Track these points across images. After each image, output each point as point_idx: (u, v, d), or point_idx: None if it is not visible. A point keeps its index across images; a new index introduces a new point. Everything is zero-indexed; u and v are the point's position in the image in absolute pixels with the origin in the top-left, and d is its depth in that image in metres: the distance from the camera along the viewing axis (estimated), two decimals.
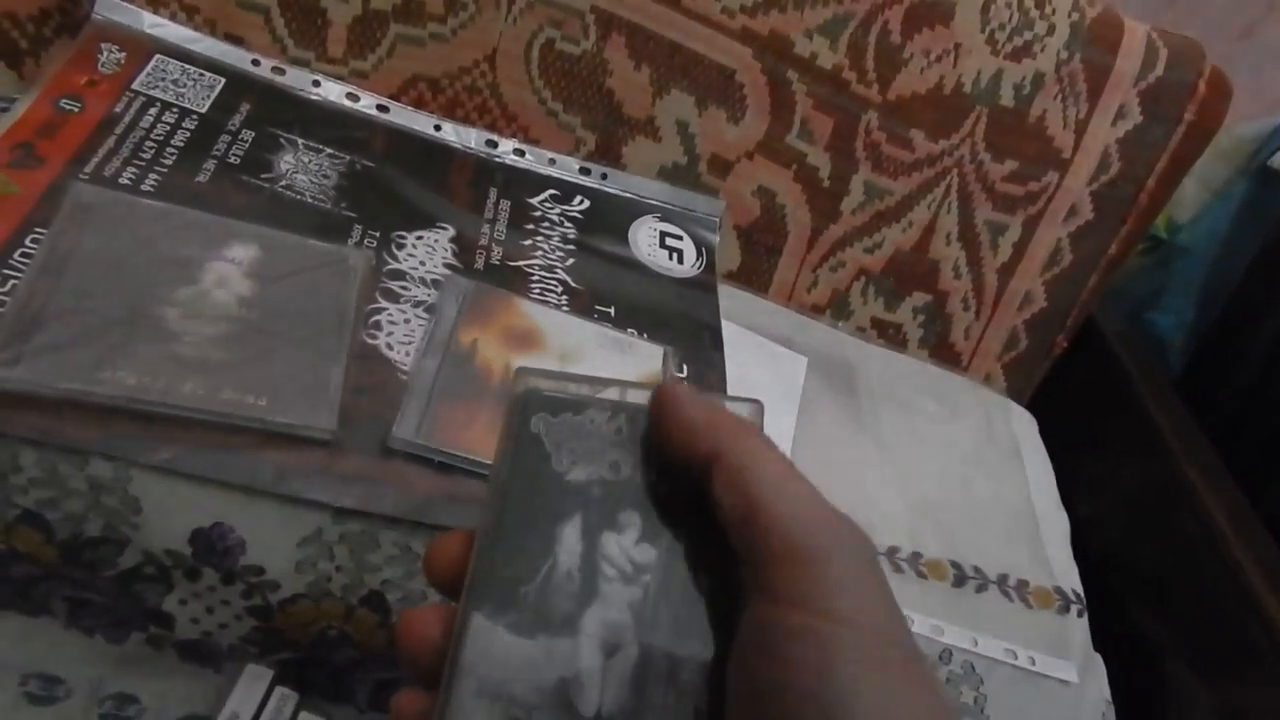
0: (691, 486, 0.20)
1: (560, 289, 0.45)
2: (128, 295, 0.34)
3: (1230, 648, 0.51)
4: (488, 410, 0.37)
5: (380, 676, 0.35)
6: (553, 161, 0.52)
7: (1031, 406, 0.59)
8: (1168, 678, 0.53)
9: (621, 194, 0.52)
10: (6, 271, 0.34)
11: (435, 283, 0.42)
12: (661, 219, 0.52)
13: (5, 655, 0.33)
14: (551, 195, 0.50)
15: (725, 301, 0.49)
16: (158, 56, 0.45)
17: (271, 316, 0.36)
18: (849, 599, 0.17)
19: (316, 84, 0.48)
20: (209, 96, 0.45)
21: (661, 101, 0.53)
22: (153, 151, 0.41)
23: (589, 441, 0.22)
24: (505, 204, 0.48)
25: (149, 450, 0.31)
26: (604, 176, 0.52)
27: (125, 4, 0.45)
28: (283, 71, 0.47)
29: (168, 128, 0.42)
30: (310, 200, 0.42)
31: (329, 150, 0.45)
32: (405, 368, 0.37)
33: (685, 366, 0.44)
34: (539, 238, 0.47)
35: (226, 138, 0.43)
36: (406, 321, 0.40)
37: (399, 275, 0.41)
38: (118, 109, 0.42)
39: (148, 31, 0.46)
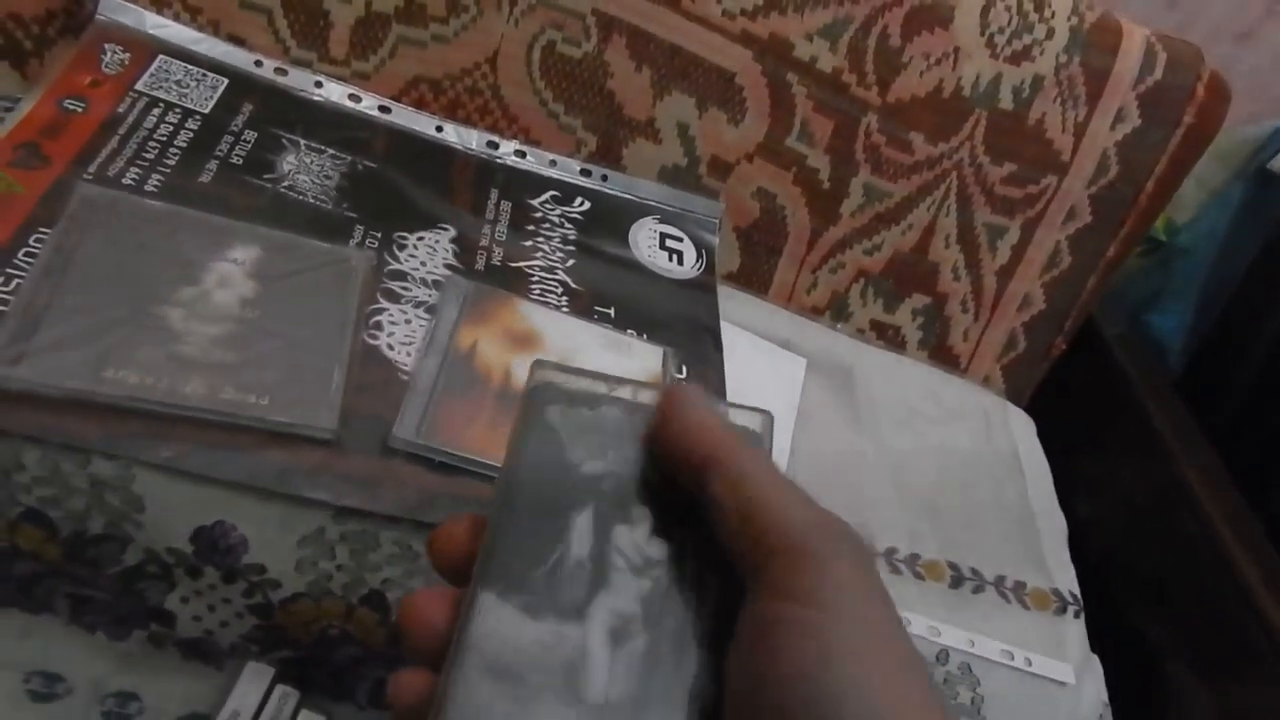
0: (691, 487, 0.20)
1: (560, 290, 0.45)
2: (130, 295, 0.34)
3: (1229, 649, 0.51)
4: (488, 410, 0.37)
5: (380, 674, 0.35)
6: (553, 163, 0.52)
7: (1031, 408, 0.59)
8: (1167, 678, 0.53)
9: (622, 195, 0.53)
10: (10, 270, 0.34)
11: (436, 283, 0.42)
12: (661, 220, 0.53)
13: (7, 653, 0.33)
14: (552, 196, 0.50)
15: (725, 303, 0.49)
16: (161, 57, 0.45)
17: (273, 317, 0.36)
18: (848, 595, 0.17)
19: (319, 85, 0.48)
20: (212, 97, 0.45)
21: (662, 103, 0.53)
22: (156, 152, 0.41)
23: (603, 436, 0.22)
24: (506, 205, 0.48)
25: (151, 449, 0.31)
26: (604, 178, 0.53)
27: (129, 5, 0.46)
28: (285, 72, 0.48)
29: (171, 128, 0.42)
30: (312, 201, 0.42)
31: (331, 151, 0.45)
32: (406, 368, 0.38)
33: (685, 368, 0.45)
34: (539, 239, 0.48)
35: (229, 138, 0.43)
36: (407, 322, 0.40)
37: (400, 276, 0.41)
38: (121, 109, 0.42)
39: (151, 32, 0.46)
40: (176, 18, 0.47)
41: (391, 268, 0.41)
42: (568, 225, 0.49)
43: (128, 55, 0.45)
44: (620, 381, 0.23)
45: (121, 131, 0.41)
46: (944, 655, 0.39)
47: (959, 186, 0.57)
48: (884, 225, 0.57)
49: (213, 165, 0.42)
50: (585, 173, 0.52)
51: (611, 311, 0.45)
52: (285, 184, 0.42)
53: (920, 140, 0.55)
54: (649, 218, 0.52)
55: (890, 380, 0.53)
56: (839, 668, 0.16)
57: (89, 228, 0.36)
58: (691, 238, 0.53)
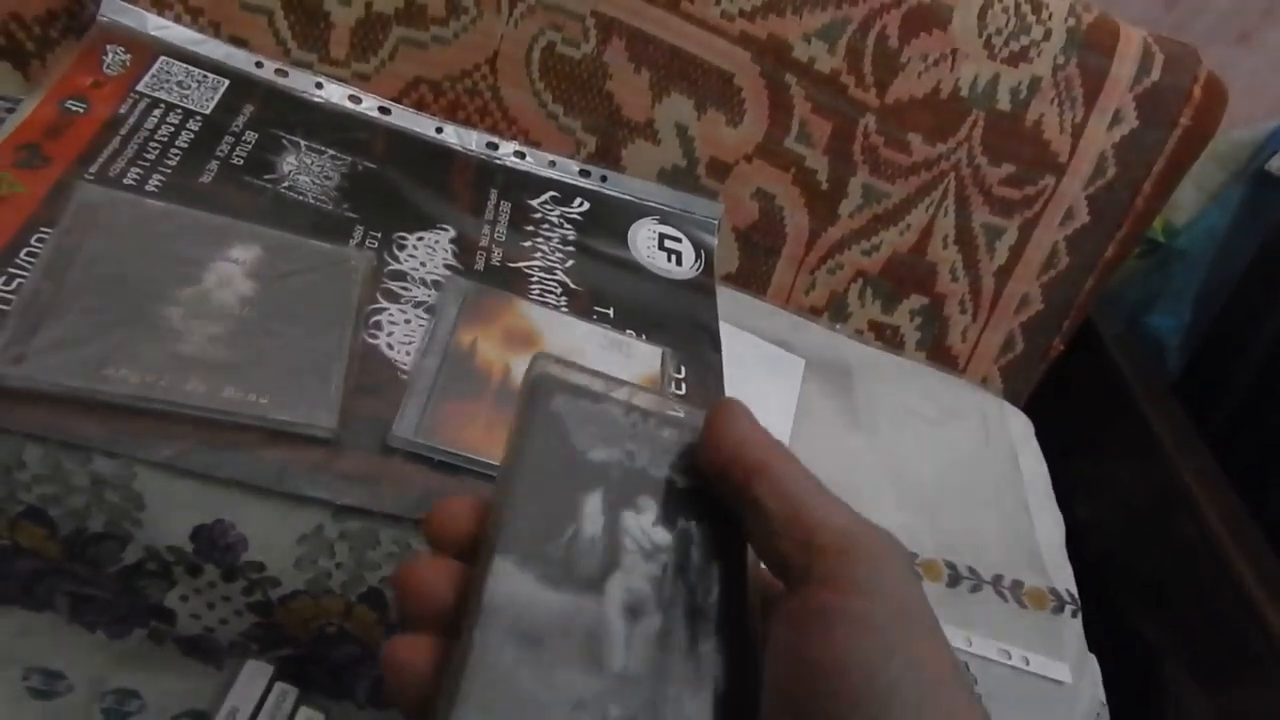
0: (733, 490, 0.21)
1: (560, 290, 0.45)
2: (131, 294, 0.34)
3: (1227, 651, 0.51)
4: (487, 410, 0.38)
5: (380, 673, 0.35)
6: (553, 164, 0.52)
7: (1029, 409, 0.59)
8: (1165, 680, 0.53)
9: (621, 196, 0.53)
10: (12, 270, 0.34)
11: (436, 283, 0.42)
12: (660, 221, 0.53)
13: (7, 650, 0.33)
14: (551, 197, 0.51)
15: (723, 303, 0.50)
16: (162, 58, 0.45)
17: (273, 316, 0.36)
18: (893, 587, 0.19)
19: (319, 86, 0.48)
20: (213, 98, 0.45)
21: (661, 105, 0.53)
22: (157, 152, 0.41)
23: (605, 430, 0.22)
24: (505, 206, 0.49)
25: (152, 447, 0.31)
26: (604, 179, 0.53)
27: (130, 6, 0.46)
28: (286, 74, 0.48)
29: (172, 129, 0.43)
30: (312, 201, 0.43)
31: (331, 152, 0.46)
32: (405, 367, 0.38)
33: (683, 368, 0.45)
34: (539, 239, 0.48)
35: (230, 139, 0.44)
36: (407, 322, 0.40)
37: (400, 276, 0.42)
38: (122, 110, 0.42)
39: (152, 33, 0.46)
40: (178, 19, 0.47)
41: (391, 268, 0.42)
42: (567, 226, 0.49)
43: (129, 56, 0.45)
44: (619, 383, 0.23)
45: (123, 132, 0.41)
46: None
47: (957, 187, 0.57)
48: (882, 226, 0.57)
49: (213, 166, 0.42)
50: (584, 173, 0.53)
51: (610, 312, 0.45)
52: (285, 184, 0.43)
53: (918, 141, 0.56)
54: (648, 218, 0.53)
55: (888, 380, 0.53)
56: (896, 659, 0.17)
57: (90, 228, 0.36)
58: (690, 238, 0.53)
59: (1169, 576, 0.56)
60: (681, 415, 0.24)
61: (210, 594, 0.33)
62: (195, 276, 0.36)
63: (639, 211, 0.53)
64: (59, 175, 0.38)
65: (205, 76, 0.46)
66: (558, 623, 0.19)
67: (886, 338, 0.59)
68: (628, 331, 0.44)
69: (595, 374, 0.23)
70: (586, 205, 0.51)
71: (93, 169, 0.39)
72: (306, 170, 0.44)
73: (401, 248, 0.43)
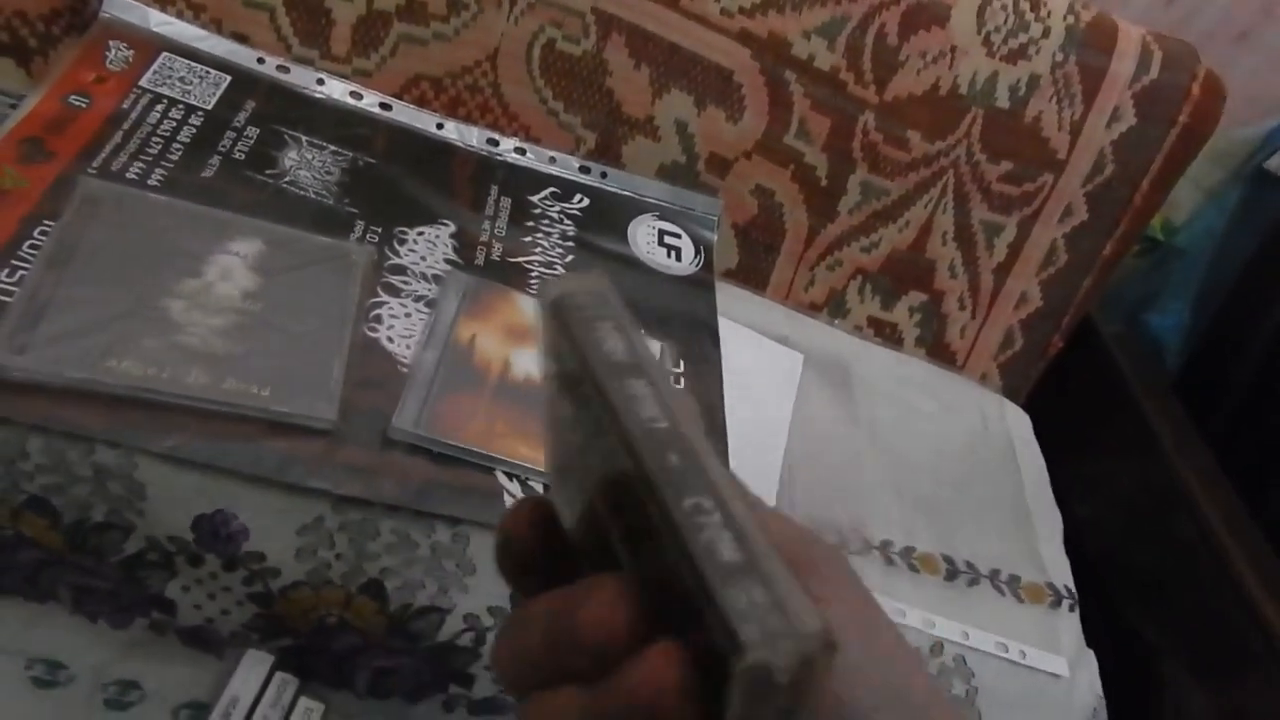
0: None
1: None
2: (133, 287, 0.35)
3: (1225, 648, 0.51)
4: (486, 403, 0.38)
5: (379, 664, 0.35)
6: (553, 160, 0.52)
7: (1029, 407, 0.59)
8: (1163, 677, 0.53)
9: (621, 192, 0.53)
10: (15, 263, 0.34)
11: (436, 278, 0.42)
12: (660, 217, 0.53)
13: (11, 640, 0.34)
14: (552, 193, 0.51)
15: (722, 299, 0.50)
16: (165, 54, 0.46)
17: (274, 309, 0.36)
18: (844, 591, 0.18)
19: (320, 82, 0.49)
20: (215, 94, 0.45)
21: (661, 101, 0.53)
22: (159, 147, 0.41)
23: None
24: (506, 201, 0.49)
25: (154, 438, 0.32)
26: (604, 175, 0.53)
27: (133, 2, 0.46)
28: (287, 70, 0.48)
29: (174, 124, 0.43)
30: (313, 196, 0.43)
31: (332, 147, 0.46)
32: (405, 361, 0.38)
33: (682, 363, 0.45)
34: (539, 235, 0.48)
35: (232, 134, 0.44)
36: (407, 315, 0.40)
37: (400, 270, 0.42)
38: (125, 105, 0.43)
39: (155, 30, 0.46)
40: (180, 15, 0.47)
41: (392, 262, 0.42)
42: (567, 222, 0.50)
43: (132, 52, 0.45)
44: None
45: (125, 127, 0.41)
46: (938, 647, 0.39)
47: (956, 184, 0.57)
48: (881, 223, 0.58)
49: (215, 161, 0.42)
50: (584, 170, 0.53)
51: None
52: (287, 179, 0.43)
53: (917, 138, 0.56)
54: (648, 215, 0.53)
55: (887, 376, 0.53)
56: (853, 651, 0.17)
57: (93, 221, 0.36)
58: (690, 235, 0.53)
59: (1168, 574, 0.56)
60: None
61: (211, 584, 0.33)
62: (197, 270, 0.36)
63: (639, 208, 0.53)
64: (61, 170, 0.38)
65: (207, 72, 0.46)
66: None
67: (886, 334, 0.59)
68: None
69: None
70: (586, 201, 0.51)
71: (95, 163, 0.39)
72: (308, 165, 0.44)
73: (402, 242, 0.43)
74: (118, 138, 0.41)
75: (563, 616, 0.16)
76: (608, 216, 0.51)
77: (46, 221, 0.36)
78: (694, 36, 0.52)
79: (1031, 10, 0.55)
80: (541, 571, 0.18)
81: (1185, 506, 0.55)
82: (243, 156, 0.43)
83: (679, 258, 0.51)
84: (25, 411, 0.31)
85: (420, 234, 0.44)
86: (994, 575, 0.44)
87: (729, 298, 0.51)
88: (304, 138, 0.45)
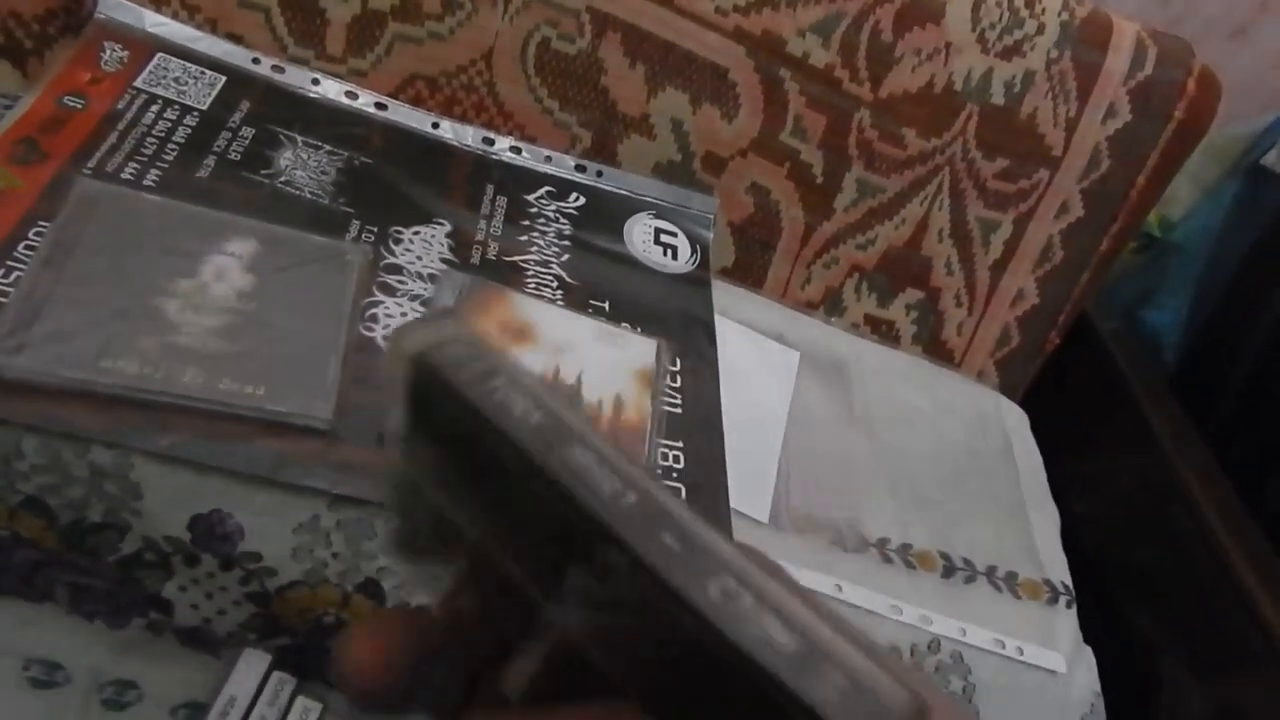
0: None
1: (555, 284, 0.46)
2: (129, 287, 0.35)
3: (1223, 644, 0.52)
4: None
5: None
6: (549, 159, 0.52)
7: (1026, 404, 0.59)
8: (1161, 673, 0.53)
9: (616, 191, 0.53)
10: (10, 263, 0.34)
11: (432, 277, 0.42)
12: (656, 216, 0.53)
13: (8, 641, 0.34)
14: (547, 192, 0.51)
15: (719, 297, 0.50)
16: (159, 55, 0.46)
17: (270, 309, 0.36)
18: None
19: (316, 82, 0.49)
20: (210, 94, 0.45)
21: (656, 100, 0.53)
22: (154, 147, 0.41)
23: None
24: (501, 200, 0.49)
25: (149, 438, 0.32)
26: (599, 174, 0.53)
27: (128, 3, 0.46)
28: (282, 70, 0.48)
29: (169, 124, 0.43)
30: (309, 196, 0.43)
31: (328, 147, 0.46)
32: None
33: (679, 361, 0.45)
34: (535, 233, 0.48)
35: (227, 134, 0.44)
36: (403, 315, 0.40)
37: (396, 270, 0.42)
38: (120, 106, 0.43)
39: (150, 30, 0.46)
40: (175, 16, 0.47)
41: (387, 261, 0.42)
42: (563, 220, 0.50)
43: (127, 53, 0.45)
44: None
45: (120, 127, 0.41)
46: (935, 644, 0.39)
47: (951, 181, 0.57)
48: (877, 220, 0.58)
49: (210, 161, 0.42)
50: (580, 169, 0.53)
51: (606, 305, 0.46)
52: (282, 179, 0.43)
53: (912, 135, 0.56)
54: (644, 213, 0.53)
55: (883, 373, 0.53)
56: None
57: (88, 221, 0.36)
58: (686, 233, 0.53)
59: (1165, 570, 0.56)
60: None
61: (208, 584, 0.33)
62: (192, 270, 0.36)
63: (635, 206, 0.53)
64: (57, 170, 0.38)
65: (202, 73, 0.46)
66: None
67: (882, 332, 0.59)
68: (623, 325, 0.45)
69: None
70: (582, 200, 0.51)
71: (90, 164, 0.39)
72: (303, 165, 0.44)
73: (398, 242, 0.43)
74: (113, 138, 0.41)
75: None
76: (604, 215, 0.51)
77: (42, 222, 0.36)
78: (689, 35, 0.52)
79: (1026, 7, 0.55)
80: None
81: (1183, 503, 0.55)
82: (238, 156, 0.43)
83: (675, 256, 0.51)
84: (21, 411, 0.31)
85: (416, 233, 0.44)
86: (991, 572, 0.44)
87: (725, 296, 0.51)
88: (299, 137, 0.45)
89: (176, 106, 0.44)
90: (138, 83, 0.44)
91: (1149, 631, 0.55)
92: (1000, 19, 0.54)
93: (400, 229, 0.44)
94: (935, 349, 0.60)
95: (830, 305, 0.59)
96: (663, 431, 0.41)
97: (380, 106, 0.50)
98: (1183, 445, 0.59)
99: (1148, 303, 0.75)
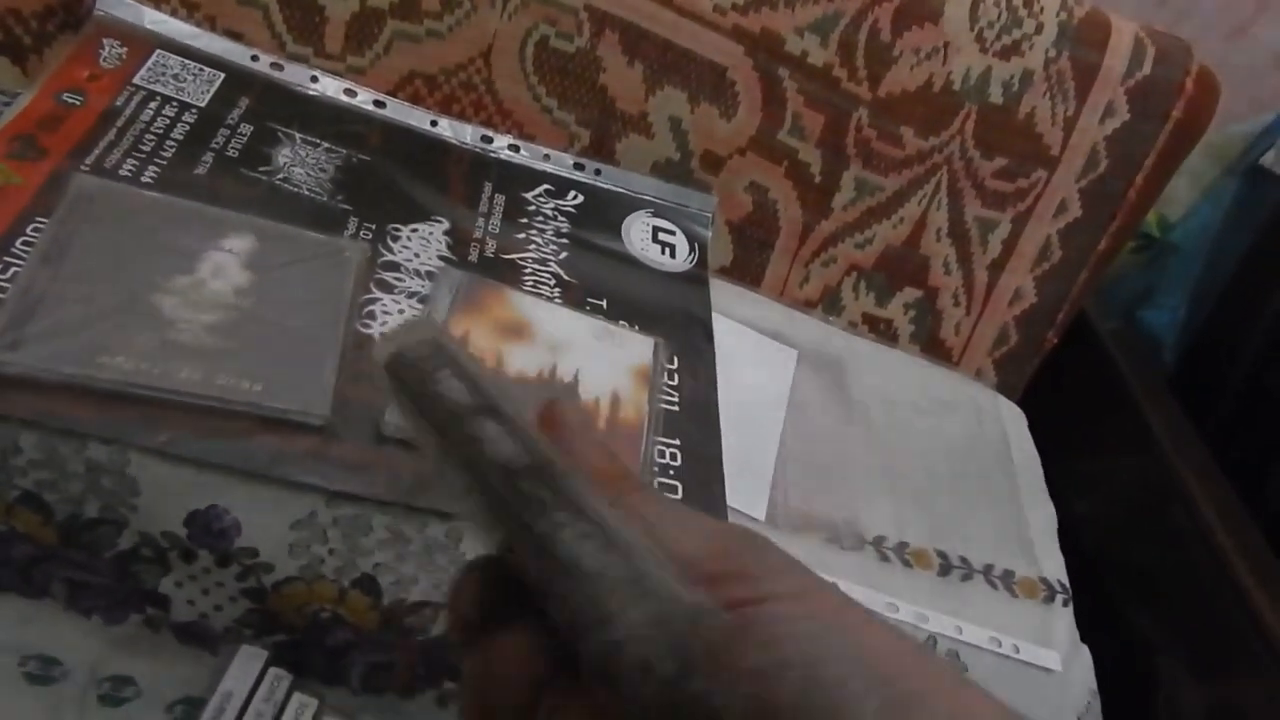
0: None
1: (553, 282, 0.46)
2: (126, 283, 0.35)
3: (1220, 643, 0.52)
4: None
5: (374, 659, 0.35)
6: (547, 157, 0.52)
7: (1024, 404, 0.59)
8: (1158, 672, 0.53)
9: (615, 189, 0.53)
10: (8, 259, 0.34)
11: (429, 274, 0.42)
12: (654, 214, 0.53)
13: (5, 636, 0.34)
14: (545, 190, 0.51)
15: (716, 295, 0.50)
16: (158, 51, 0.46)
17: (267, 306, 0.36)
18: (784, 578, 0.17)
19: (314, 79, 0.49)
20: (208, 91, 0.45)
21: (654, 98, 0.53)
22: (152, 144, 0.41)
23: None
24: (500, 198, 0.49)
25: (146, 434, 0.32)
26: (597, 172, 0.53)
27: (127, 0, 0.46)
28: (281, 67, 0.48)
29: (168, 121, 0.43)
30: (307, 193, 0.43)
31: (326, 144, 0.46)
32: None
33: (676, 359, 0.45)
34: (533, 231, 0.48)
35: (225, 131, 0.44)
36: (401, 312, 0.40)
37: (394, 267, 0.42)
38: (118, 102, 0.43)
39: (148, 27, 0.46)
40: (174, 13, 0.47)
41: (385, 259, 0.42)
42: (561, 219, 0.50)
43: (125, 50, 0.45)
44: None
45: (119, 124, 0.42)
46: (931, 642, 0.39)
47: (950, 180, 0.57)
48: (875, 219, 0.58)
49: (208, 158, 0.42)
50: (579, 167, 0.53)
51: (604, 303, 0.46)
52: (280, 176, 0.43)
53: (911, 134, 0.56)
54: (642, 211, 0.53)
55: (881, 372, 0.53)
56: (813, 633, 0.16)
57: (86, 217, 0.36)
58: (684, 231, 0.53)
59: (1163, 569, 0.56)
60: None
61: (204, 580, 0.33)
62: (189, 266, 0.36)
63: (633, 205, 0.53)
64: (54, 167, 0.38)
65: (201, 70, 0.46)
66: None
67: (880, 331, 0.59)
68: (620, 323, 0.45)
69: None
70: (580, 198, 0.51)
71: (88, 160, 0.39)
72: (301, 162, 0.44)
73: (395, 239, 0.43)
74: (111, 135, 0.41)
75: (480, 689, 0.17)
76: (602, 213, 0.51)
77: (40, 218, 0.36)
78: (687, 33, 0.52)
79: (1024, 6, 0.55)
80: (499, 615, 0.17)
81: (1181, 502, 0.55)
82: (236, 154, 0.43)
83: (673, 254, 0.51)
84: (18, 407, 0.31)
85: (414, 231, 0.44)
86: (988, 570, 0.44)
87: (723, 294, 0.51)
88: (298, 135, 0.46)
89: (175, 103, 0.44)
90: (136, 79, 0.44)
91: (1147, 631, 0.55)
92: (998, 18, 0.54)
93: (398, 226, 0.44)
94: (933, 348, 0.60)
95: (828, 304, 0.59)
96: (660, 429, 0.41)
97: (379, 104, 0.50)
98: (1181, 445, 0.59)
99: (1146, 303, 0.75)
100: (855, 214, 0.57)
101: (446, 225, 0.45)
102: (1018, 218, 0.59)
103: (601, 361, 0.42)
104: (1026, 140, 0.57)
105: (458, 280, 0.42)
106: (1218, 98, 0.59)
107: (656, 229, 0.53)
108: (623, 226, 0.51)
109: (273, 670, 0.33)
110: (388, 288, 0.41)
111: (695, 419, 0.42)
